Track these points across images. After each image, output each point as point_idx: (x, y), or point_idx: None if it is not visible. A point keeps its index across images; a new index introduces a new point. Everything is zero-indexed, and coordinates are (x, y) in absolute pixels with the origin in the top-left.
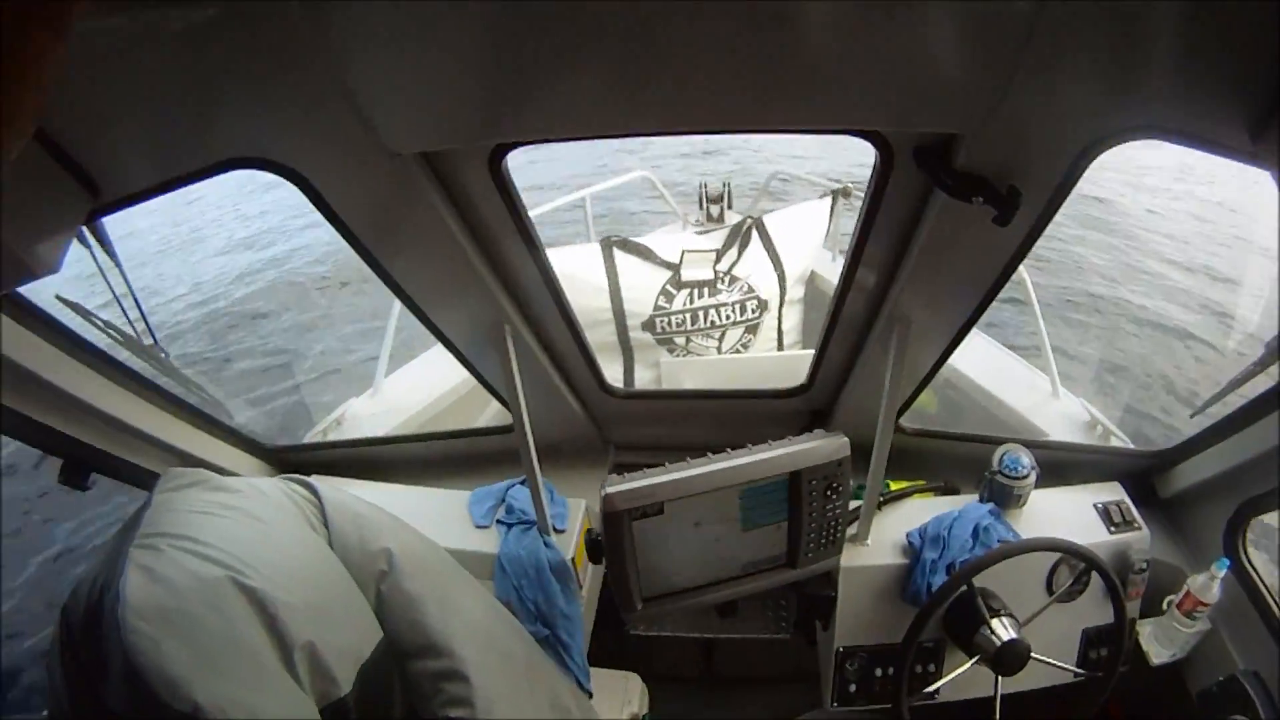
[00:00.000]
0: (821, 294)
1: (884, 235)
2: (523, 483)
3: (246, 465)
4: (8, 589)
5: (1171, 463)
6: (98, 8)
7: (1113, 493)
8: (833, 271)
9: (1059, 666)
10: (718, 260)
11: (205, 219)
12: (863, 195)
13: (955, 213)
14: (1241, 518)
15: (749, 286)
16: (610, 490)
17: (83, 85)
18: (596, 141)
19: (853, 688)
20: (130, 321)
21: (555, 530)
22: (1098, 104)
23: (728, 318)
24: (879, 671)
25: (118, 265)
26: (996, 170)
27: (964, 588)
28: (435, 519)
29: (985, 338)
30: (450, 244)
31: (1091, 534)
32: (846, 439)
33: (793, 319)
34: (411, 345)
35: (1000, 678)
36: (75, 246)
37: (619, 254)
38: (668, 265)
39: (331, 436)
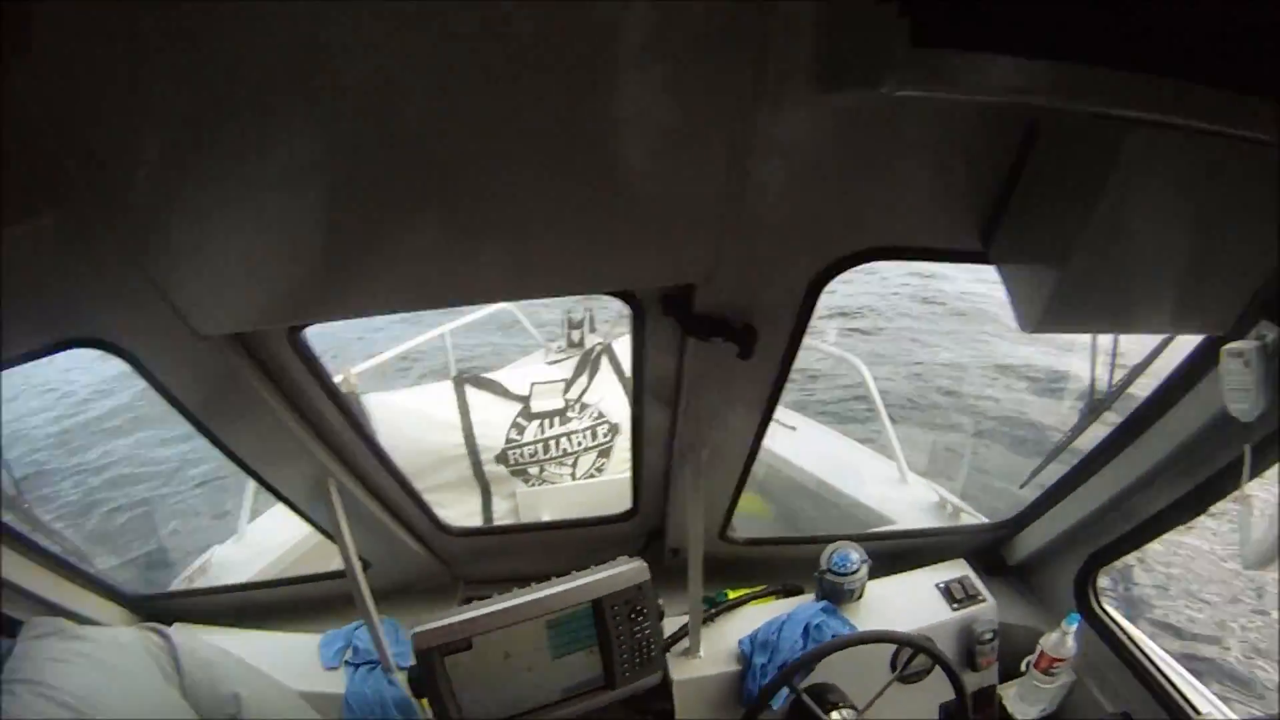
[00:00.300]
0: None
1: (655, 375)
2: None
3: (109, 614)
4: None
5: (1016, 530)
6: None
7: (957, 569)
8: None
9: None
10: (567, 389)
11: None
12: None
13: (707, 349)
14: (1087, 571)
15: (599, 412)
16: (419, 629)
17: None
18: None
19: None
20: None
21: (399, 668)
22: (817, 242)
23: (579, 444)
24: None
25: None
26: (734, 310)
27: (785, 689)
28: (288, 662)
29: (835, 434)
30: (266, 410)
31: (934, 614)
32: (645, 564)
33: None
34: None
35: None
36: None
37: (470, 390)
38: (518, 398)
39: (197, 583)
